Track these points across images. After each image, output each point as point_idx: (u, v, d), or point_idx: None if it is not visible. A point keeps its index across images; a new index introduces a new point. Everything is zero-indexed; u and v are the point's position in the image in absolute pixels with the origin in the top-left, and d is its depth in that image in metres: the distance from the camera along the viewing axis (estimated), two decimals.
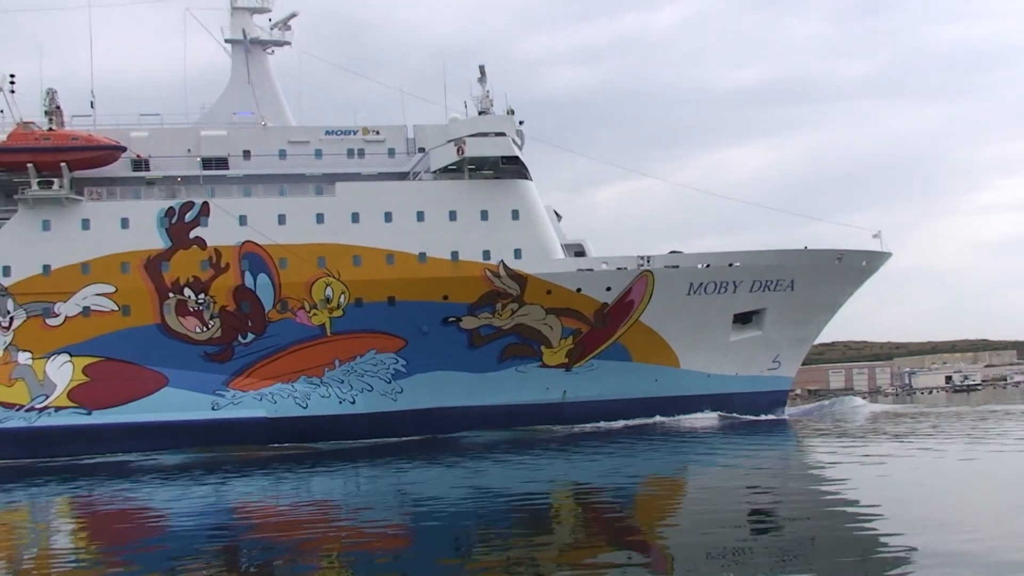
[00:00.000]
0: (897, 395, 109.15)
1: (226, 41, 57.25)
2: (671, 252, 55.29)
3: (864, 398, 77.78)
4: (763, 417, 56.54)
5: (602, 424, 54.00)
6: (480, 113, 56.08)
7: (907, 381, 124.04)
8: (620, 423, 54.07)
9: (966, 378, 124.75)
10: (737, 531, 20.60)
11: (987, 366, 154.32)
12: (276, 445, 49.83)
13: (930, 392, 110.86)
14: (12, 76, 56.23)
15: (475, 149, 52.59)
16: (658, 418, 54.86)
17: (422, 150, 55.23)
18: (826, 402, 70.94)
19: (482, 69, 56.83)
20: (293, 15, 57.28)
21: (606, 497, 27.77)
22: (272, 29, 57.63)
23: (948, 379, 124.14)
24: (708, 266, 54.40)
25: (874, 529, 19.41)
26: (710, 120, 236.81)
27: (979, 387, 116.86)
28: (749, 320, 56.66)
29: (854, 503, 23.71)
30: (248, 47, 56.88)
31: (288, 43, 58.04)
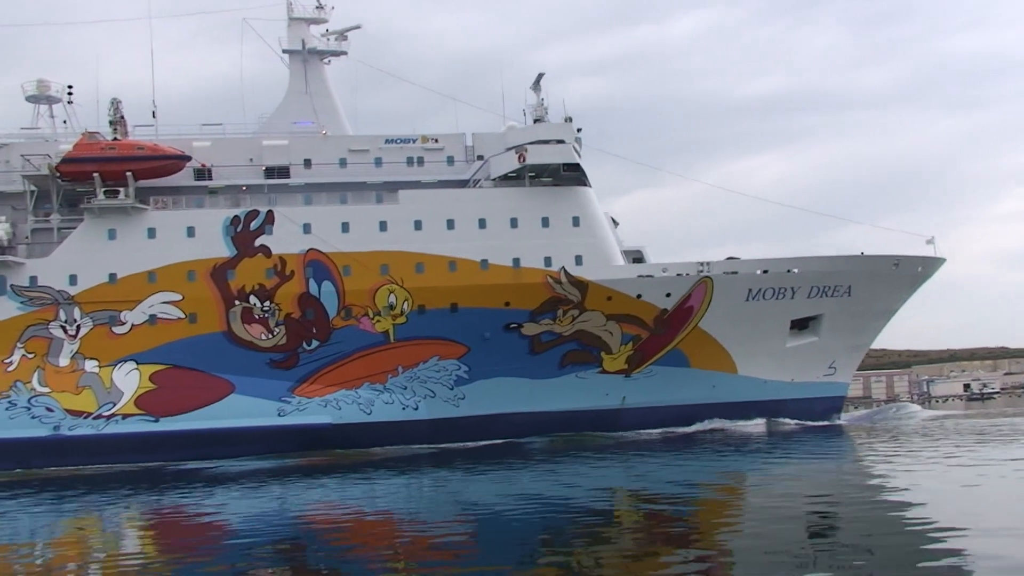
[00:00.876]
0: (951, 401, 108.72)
1: (284, 51, 57.72)
2: (728, 258, 55.51)
3: (917, 404, 77.71)
4: (819, 423, 56.64)
5: (660, 430, 54.18)
6: (535, 121, 56.45)
7: (925, 389, 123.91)
8: (678, 429, 54.22)
9: (984, 386, 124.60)
10: (796, 539, 20.55)
11: (1006, 374, 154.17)
12: (341, 451, 50.08)
13: (946, 400, 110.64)
14: (70, 87, 57.10)
15: (536, 156, 52.90)
16: (716, 424, 55.00)
17: (480, 158, 55.60)
18: (881, 408, 70.99)
19: (538, 78, 57.22)
20: (356, 27, 57.81)
21: (665, 503, 27.81)
22: (329, 39, 58.05)
23: (966, 387, 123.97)
24: (766, 272, 54.56)
25: (935, 537, 19.26)
26: (726, 130, 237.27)
27: (995, 395, 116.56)
28: (806, 326, 56.79)
29: (915, 511, 23.55)
30: (306, 57, 57.35)
31: (345, 53, 58.51)
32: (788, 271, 54.90)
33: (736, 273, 54.09)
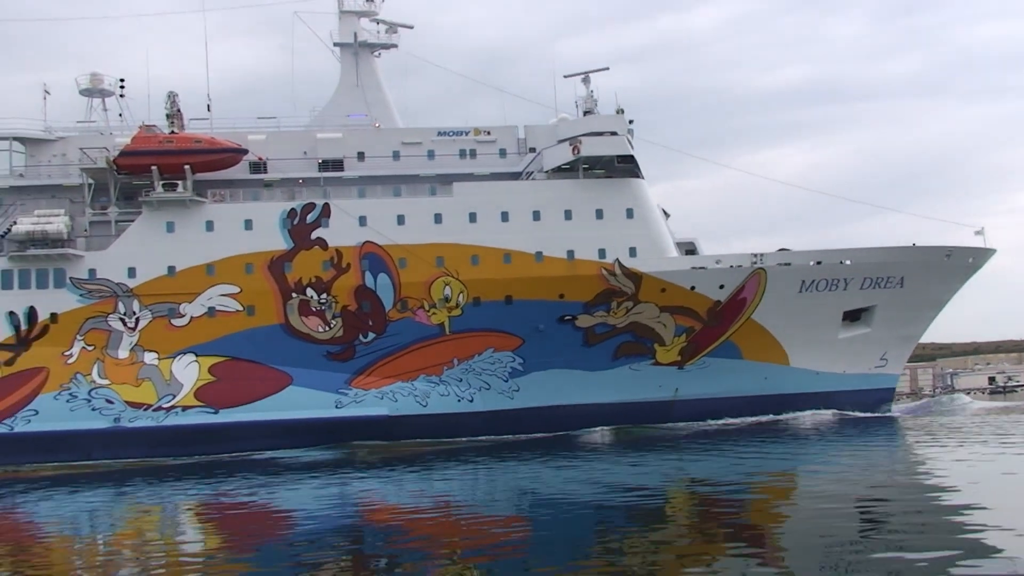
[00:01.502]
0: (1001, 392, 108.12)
1: (335, 45, 57.87)
2: (780, 250, 55.43)
3: (968, 395, 77.35)
4: (871, 415, 56.54)
5: (712, 422, 54.21)
6: (585, 113, 56.49)
7: (949, 382, 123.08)
8: (730, 421, 54.25)
9: (1009, 379, 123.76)
10: (851, 531, 20.47)
11: None
12: (396, 443, 50.29)
13: (969, 393, 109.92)
14: (122, 81, 57.37)
15: (591, 148, 52.91)
16: (767, 416, 54.98)
17: (532, 150, 55.67)
18: (931, 399, 70.82)
19: (588, 72, 57.24)
20: (409, 26, 57.97)
21: (720, 494, 27.84)
22: (380, 32, 58.15)
23: (991, 380, 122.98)
24: (819, 263, 54.46)
25: (991, 531, 19.02)
26: (750, 121, 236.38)
27: (1019, 388, 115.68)
28: (858, 317, 56.68)
29: (968, 501, 23.44)
30: (357, 50, 57.49)
31: (395, 46, 58.59)
32: (841, 262, 54.78)
33: (789, 264, 54.02)
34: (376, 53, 58.62)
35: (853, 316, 56.55)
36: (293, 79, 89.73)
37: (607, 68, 57.83)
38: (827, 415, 55.47)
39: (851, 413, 55.75)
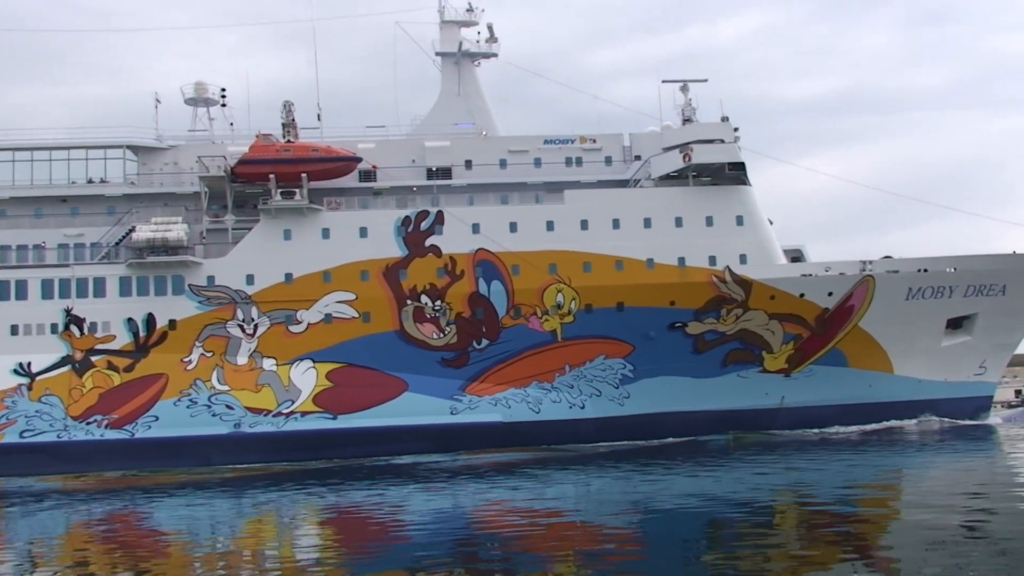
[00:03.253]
0: None
1: (436, 54, 58.36)
2: (884, 257, 55.62)
3: None
4: (971, 422, 56.64)
5: (816, 430, 54.34)
6: (684, 122, 56.82)
7: None
8: (836, 429, 54.38)
9: None
10: (958, 537, 20.64)
11: None
12: (509, 449, 50.57)
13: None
14: (223, 90, 57.92)
15: (702, 156, 53.25)
16: (871, 424, 55.07)
17: (638, 158, 55.99)
18: None
19: (687, 81, 57.56)
20: (494, 53, 58.42)
21: (826, 502, 28.04)
22: (480, 42, 58.62)
23: (1017, 393, 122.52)
24: (925, 271, 54.64)
25: None
26: (778, 131, 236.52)
27: None
28: (960, 325, 56.80)
29: None
30: (459, 59, 57.97)
31: (495, 55, 59.03)
32: (946, 270, 54.96)
33: (897, 272, 54.20)
34: (476, 62, 59.07)
35: (955, 324, 56.69)
36: (396, 88, 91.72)
37: (706, 80, 58.18)
38: (930, 423, 55.63)
39: (953, 421, 55.86)
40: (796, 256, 55.67)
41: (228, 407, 49.73)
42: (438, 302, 51.67)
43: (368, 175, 54.22)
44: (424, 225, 52.13)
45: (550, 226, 52.67)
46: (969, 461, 38.67)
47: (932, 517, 23.35)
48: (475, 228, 52.29)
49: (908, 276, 54.31)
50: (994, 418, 60.09)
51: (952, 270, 54.94)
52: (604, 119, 76.65)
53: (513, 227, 52.53)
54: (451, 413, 51.02)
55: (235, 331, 50.79)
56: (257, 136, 52.54)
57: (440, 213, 52.29)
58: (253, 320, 50.85)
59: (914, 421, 55.60)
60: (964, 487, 29.40)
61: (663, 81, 58.43)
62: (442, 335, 51.70)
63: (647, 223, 53.03)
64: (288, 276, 51.32)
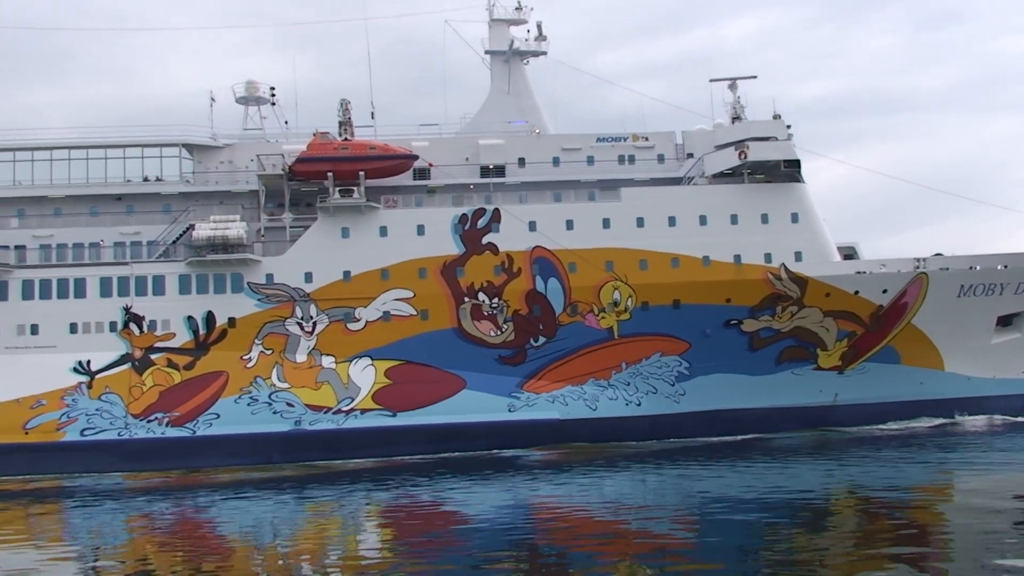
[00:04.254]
0: None
1: (486, 52, 58.50)
2: (935, 255, 55.74)
3: None
4: (1019, 419, 56.74)
5: (869, 427, 54.42)
6: (733, 120, 56.98)
7: None
8: (888, 426, 54.51)
9: None
10: (1011, 538, 20.82)
11: None
12: (565, 446, 50.65)
13: None
14: (273, 88, 58.10)
15: (758, 153, 53.36)
16: (921, 422, 55.20)
17: (690, 155, 56.13)
18: None
19: (735, 79, 57.73)
20: (544, 39, 58.43)
21: (880, 499, 28.19)
22: (529, 40, 58.75)
23: None
24: (977, 268, 54.78)
25: None
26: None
27: None
28: (1010, 322, 56.93)
29: None
30: (508, 57, 58.10)
31: (544, 53, 59.13)
32: (998, 267, 55.10)
33: (948, 269, 54.33)
34: (525, 60, 59.17)
35: (1005, 321, 56.83)
36: (445, 86, 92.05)
37: (755, 76, 58.40)
38: (980, 420, 55.76)
39: (1005, 418, 55.99)
40: (849, 253, 55.78)
41: (289, 404, 49.82)
42: (495, 299, 51.77)
43: (422, 173, 54.34)
44: (481, 223, 52.23)
45: (606, 224, 52.77)
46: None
47: (985, 517, 23.28)
48: (531, 226, 52.38)
49: (960, 273, 54.43)
50: None
51: (1003, 267, 55.10)
52: (628, 118, 76.54)
53: (569, 224, 52.63)
54: (509, 411, 51.11)
55: (294, 329, 50.88)
56: (315, 134, 52.62)
57: (496, 211, 52.39)
58: (312, 318, 50.93)
59: (966, 418, 55.64)
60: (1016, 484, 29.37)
61: (711, 80, 58.68)
62: (499, 332, 51.80)
63: (703, 220, 53.15)
64: (346, 274, 51.41)
